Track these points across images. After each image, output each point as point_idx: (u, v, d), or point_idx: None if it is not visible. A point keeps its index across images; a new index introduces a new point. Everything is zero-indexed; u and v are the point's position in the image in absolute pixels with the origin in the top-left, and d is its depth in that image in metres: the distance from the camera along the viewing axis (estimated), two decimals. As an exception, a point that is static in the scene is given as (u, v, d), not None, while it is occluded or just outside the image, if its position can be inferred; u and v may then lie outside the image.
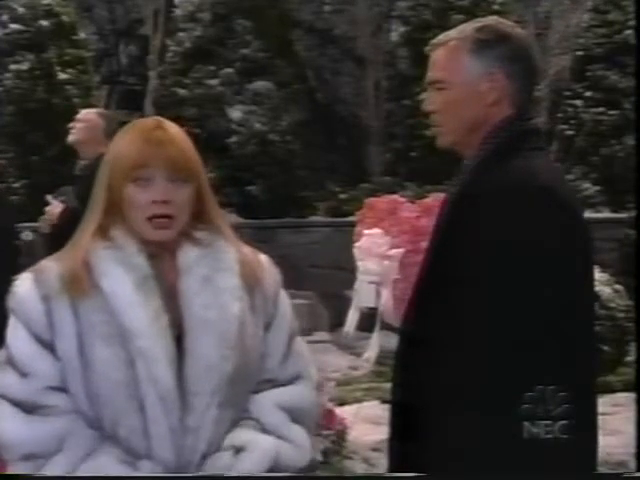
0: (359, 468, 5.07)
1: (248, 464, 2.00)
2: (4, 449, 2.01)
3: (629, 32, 11.54)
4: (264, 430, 2.06)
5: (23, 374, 1.99)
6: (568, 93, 12.09)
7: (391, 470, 2.30)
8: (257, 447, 2.02)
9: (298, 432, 2.10)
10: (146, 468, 1.97)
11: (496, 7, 12.17)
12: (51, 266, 2.04)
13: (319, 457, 4.52)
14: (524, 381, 2.01)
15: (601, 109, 11.73)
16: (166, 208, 2.00)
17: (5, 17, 11.91)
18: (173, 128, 2.06)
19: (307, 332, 8.30)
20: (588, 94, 11.92)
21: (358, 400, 6.75)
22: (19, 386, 1.99)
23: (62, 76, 11.77)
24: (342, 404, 6.30)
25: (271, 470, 2.02)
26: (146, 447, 1.97)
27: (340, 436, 5.05)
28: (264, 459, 2.02)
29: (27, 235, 6.25)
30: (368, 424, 5.69)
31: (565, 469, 2.04)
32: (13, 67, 11.70)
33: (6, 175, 10.75)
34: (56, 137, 10.81)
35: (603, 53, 11.93)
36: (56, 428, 1.97)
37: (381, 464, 4.59)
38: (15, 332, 2.02)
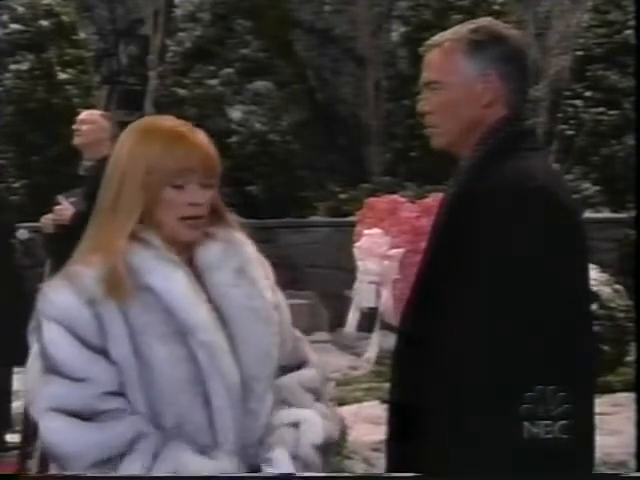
0: (359, 468, 5.07)
1: (309, 434, 2.08)
2: (68, 462, 1.95)
3: (629, 32, 11.54)
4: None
5: (76, 380, 1.95)
6: (568, 93, 12.09)
7: (389, 470, 2.31)
8: (310, 420, 2.12)
9: (325, 408, 2.18)
10: (219, 455, 1.98)
11: (496, 7, 12.18)
12: (84, 271, 2.00)
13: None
14: (522, 381, 2.01)
15: (601, 109, 11.73)
16: (199, 210, 2.05)
17: (5, 17, 11.91)
18: (200, 131, 2.10)
19: (307, 332, 8.26)
20: (588, 94, 11.91)
21: (358, 400, 6.76)
22: (73, 394, 1.94)
23: (62, 76, 11.77)
24: (342, 404, 6.31)
25: (324, 442, 2.10)
26: (211, 438, 1.99)
27: (340, 436, 5.05)
28: (320, 430, 2.11)
29: (23, 234, 6.26)
30: (368, 424, 5.69)
31: (564, 469, 2.04)
32: (13, 67, 11.70)
33: (6, 175, 10.75)
34: (56, 137, 10.83)
35: (603, 53, 11.93)
36: (121, 431, 1.94)
37: (381, 464, 4.58)
38: (59, 340, 1.96)
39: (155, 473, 1.93)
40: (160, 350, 1.96)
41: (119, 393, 1.96)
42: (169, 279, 1.99)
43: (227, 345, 2.01)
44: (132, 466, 1.93)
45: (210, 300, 2.05)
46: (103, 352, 1.96)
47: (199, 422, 1.98)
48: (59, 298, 1.98)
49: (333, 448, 2.20)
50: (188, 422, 1.97)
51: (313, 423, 2.10)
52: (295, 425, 2.09)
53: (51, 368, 1.96)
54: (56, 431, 1.95)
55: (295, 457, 2.05)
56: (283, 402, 2.12)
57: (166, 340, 1.96)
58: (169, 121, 2.12)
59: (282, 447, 2.05)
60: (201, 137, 2.07)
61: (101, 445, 1.93)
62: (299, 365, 2.21)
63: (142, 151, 2.04)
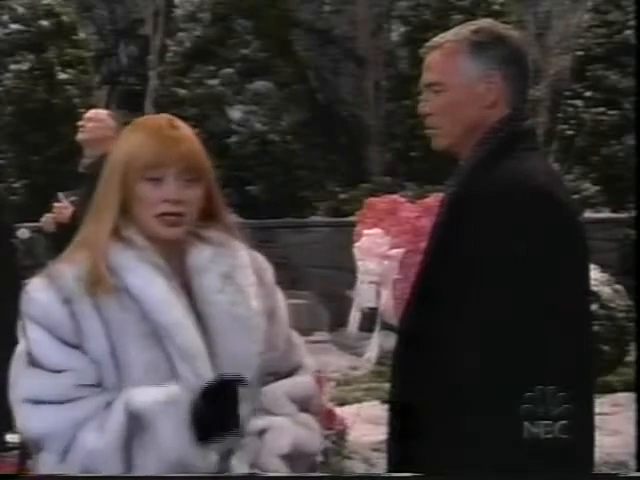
0: (359, 468, 5.07)
1: (273, 443, 2.04)
2: (47, 443, 1.95)
3: (629, 32, 11.54)
4: None
5: (55, 372, 1.96)
6: (568, 93, 12.09)
7: (390, 470, 2.31)
8: (278, 427, 2.06)
9: (308, 419, 2.13)
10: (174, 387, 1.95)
11: (496, 7, 12.18)
12: (65, 269, 2.00)
13: (319, 457, 4.53)
14: (522, 381, 2.01)
15: (601, 109, 11.74)
16: (177, 207, 2.00)
17: (5, 17, 11.91)
18: (185, 127, 2.06)
19: (307, 332, 8.31)
20: (588, 94, 11.92)
21: (358, 400, 6.76)
22: (51, 384, 1.95)
23: (62, 76, 11.77)
24: (342, 404, 6.31)
25: (292, 452, 2.05)
26: None
27: (340, 436, 5.05)
28: (286, 437, 2.05)
29: (23, 233, 6.27)
30: (368, 424, 5.69)
31: (564, 469, 2.05)
32: (13, 67, 11.70)
33: (6, 175, 10.75)
34: (56, 137, 10.84)
35: (603, 53, 11.93)
36: (94, 406, 1.94)
37: (381, 464, 4.59)
38: (39, 338, 1.97)
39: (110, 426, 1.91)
40: (135, 351, 1.95)
41: (96, 385, 1.96)
42: (147, 281, 1.98)
43: (204, 349, 1.99)
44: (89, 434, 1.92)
45: (195, 304, 2.03)
46: (81, 350, 1.96)
47: None
48: (38, 297, 1.99)
49: (308, 458, 2.13)
50: None
51: (280, 432, 2.05)
52: (261, 433, 2.04)
53: (32, 363, 1.98)
54: (32, 417, 1.96)
55: (255, 465, 2.01)
56: (265, 411, 2.08)
57: (142, 341, 1.96)
58: (154, 118, 2.12)
59: (240, 454, 2.01)
60: (181, 132, 2.04)
61: (75, 423, 1.93)
62: (291, 371, 2.17)
63: (122, 146, 2.05)
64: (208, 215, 2.08)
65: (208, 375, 1.97)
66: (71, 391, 1.95)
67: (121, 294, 1.97)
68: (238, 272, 2.07)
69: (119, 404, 1.93)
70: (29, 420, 1.97)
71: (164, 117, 2.10)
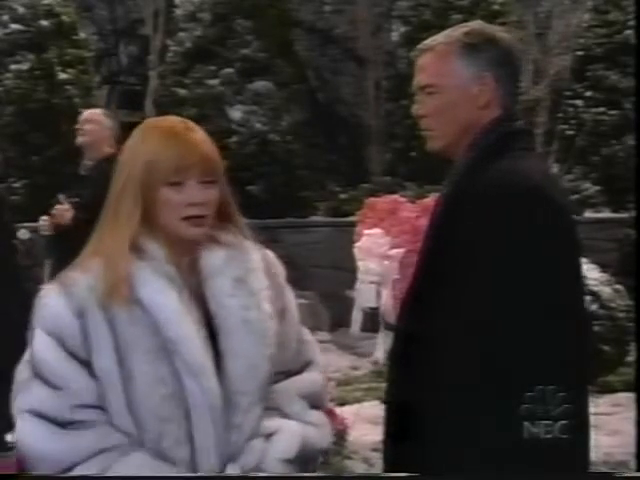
0: (359, 468, 5.07)
1: (281, 447, 2.04)
2: (33, 463, 1.97)
3: (629, 32, 11.55)
4: (288, 418, 2.10)
5: (55, 388, 1.95)
6: (568, 93, 12.09)
7: (385, 470, 2.31)
8: (286, 430, 2.06)
9: (318, 416, 2.14)
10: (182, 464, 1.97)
11: (496, 7, 12.17)
12: (79, 277, 1.99)
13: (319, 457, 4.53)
14: (519, 380, 2.01)
15: (601, 109, 11.74)
16: (200, 209, 2.01)
17: (5, 17, 11.90)
18: (198, 128, 2.07)
19: (307, 332, 8.24)
20: (588, 94, 11.93)
21: (358, 400, 6.76)
22: (51, 400, 1.95)
23: (62, 76, 11.75)
24: (342, 404, 6.31)
25: (301, 452, 2.06)
26: (190, 454, 1.97)
27: (340, 436, 5.05)
28: (294, 441, 2.06)
29: (24, 234, 6.26)
30: (368, 424, 5.69)
31: (563, 469, 2.05)
32: (13, 67, 11.69)
33: (6, 175, 10.75)
34: (56, 137, 10.83)
35: (603, 53, 11.94)
36: (92, 441, 1.94)
37: (381, 464, 4.60)
38: (46, 348, 1.96)
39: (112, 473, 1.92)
40: (143, 364, 1.94)
41: (94, 406, 1.96)
42: (160, 294, 1.97)
43: (212, 364, 1.98)
44: (91, 467, 1.93)
45: (208, 309, 2.03)
46: (87, 364, 1.96)
47: (178, 437, 1.96)
48: (51, 305, 1.98)
49: (316, 457, 2.15)
50: (167, 436, 1.96)
51: (287, 435, 2.05)
52: (269, 436, 2.04)
53: (35, 372, 1.97)
54: (27, 433, 1.97)
55: (259, 469, 2.01)
56: (275, 409, 2.09)
57: (150, 355, 1.95)
58: (168, 120, 2.11)
59: (236, 461, 2.00)
60: (198, 135, 2.04)
61: (70, 454, 1.94)
62: (302, 368, 2.18)
63: (139, 151, 2.02)
64: (220, 217, 2.08)
65: (215, 391, 1.97)
66: (68, 411, 1.95)
67: (133, 306, 1.96)
68: (250, 275, 2.07)
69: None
70: (25, 434, 1.97)
71: (176, 119, 2.09)
